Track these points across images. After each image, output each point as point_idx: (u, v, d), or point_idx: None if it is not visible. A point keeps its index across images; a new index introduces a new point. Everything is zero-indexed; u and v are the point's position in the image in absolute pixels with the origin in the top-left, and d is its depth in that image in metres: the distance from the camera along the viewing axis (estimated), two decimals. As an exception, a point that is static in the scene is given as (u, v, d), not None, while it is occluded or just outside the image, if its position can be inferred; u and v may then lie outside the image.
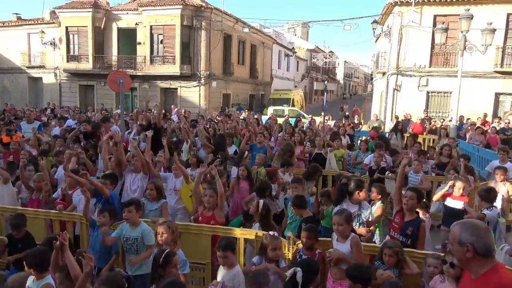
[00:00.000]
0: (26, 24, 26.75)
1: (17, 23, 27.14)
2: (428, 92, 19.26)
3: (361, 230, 4.56)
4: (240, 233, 4.43)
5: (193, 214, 5.15)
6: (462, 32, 12.65)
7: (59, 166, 6.70)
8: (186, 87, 23.59)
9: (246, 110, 21.19)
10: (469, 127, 13.25)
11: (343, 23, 23.67)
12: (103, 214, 4.28)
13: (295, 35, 46.73)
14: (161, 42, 23.13)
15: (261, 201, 4.87)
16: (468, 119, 15.57)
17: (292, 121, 13.95)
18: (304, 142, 8.90)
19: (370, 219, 4.74)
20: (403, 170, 4.57)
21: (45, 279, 3.27)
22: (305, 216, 4.64)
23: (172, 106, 20.70)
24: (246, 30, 26.73)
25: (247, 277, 3.44)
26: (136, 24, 23.52)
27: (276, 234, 3.95)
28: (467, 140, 12.26)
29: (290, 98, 26.66)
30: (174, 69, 22.76)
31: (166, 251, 3.27)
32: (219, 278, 3.51)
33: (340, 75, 64.14)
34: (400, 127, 12.63)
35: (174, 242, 3.74)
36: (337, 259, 3.62)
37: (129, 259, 4.00)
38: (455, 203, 5.58)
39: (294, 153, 7.35)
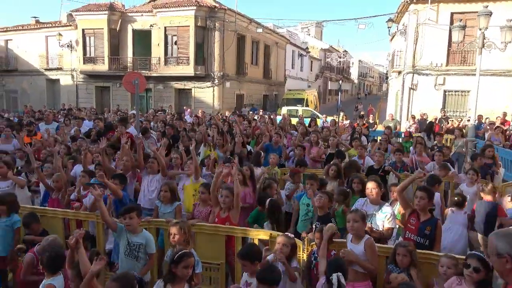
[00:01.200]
0: (44, 27, 27.37)
1: (35, 26, 27.77)
2: (445, 91, 18.91)
3: (369, 225, 4.39)
4: (254, 233, 4.42)
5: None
6: (480, 29, 12.34)
7: (76, 165, 6.80)
8: (200, 88, 23.72)
9: (261, 111, 21.17)
10: (488, 127, 12.95)
11: (358, 22, 23.42)
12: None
13: (309, 34, 46.50)
14: (175, 43, 23.31)
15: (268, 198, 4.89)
16: (486, 118, 15.22)
17: (307, 121, 13.85)
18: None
19: (388, 224, 4.47)
20: (412, 180, 4.54)
21: (50, 280, 3.28)
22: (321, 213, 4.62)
23: (185, 107, 20.82)
24: (260, 30, 26.72)
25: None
26: (151, 25, 23.79)
27: (292, 235, 3.97)
28: (486, 140, 11.97)
29: (304, 98, 26.51)
30: (188, 70, 22.92)
31: (183, 251, 3.24)
32: (241, 280, 3.59)
33: (354, 74, 63.63)
34: (434, 128, 12.30)
35: (186, 242, 3.74)
36: (349, 261, 3.58)
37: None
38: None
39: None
